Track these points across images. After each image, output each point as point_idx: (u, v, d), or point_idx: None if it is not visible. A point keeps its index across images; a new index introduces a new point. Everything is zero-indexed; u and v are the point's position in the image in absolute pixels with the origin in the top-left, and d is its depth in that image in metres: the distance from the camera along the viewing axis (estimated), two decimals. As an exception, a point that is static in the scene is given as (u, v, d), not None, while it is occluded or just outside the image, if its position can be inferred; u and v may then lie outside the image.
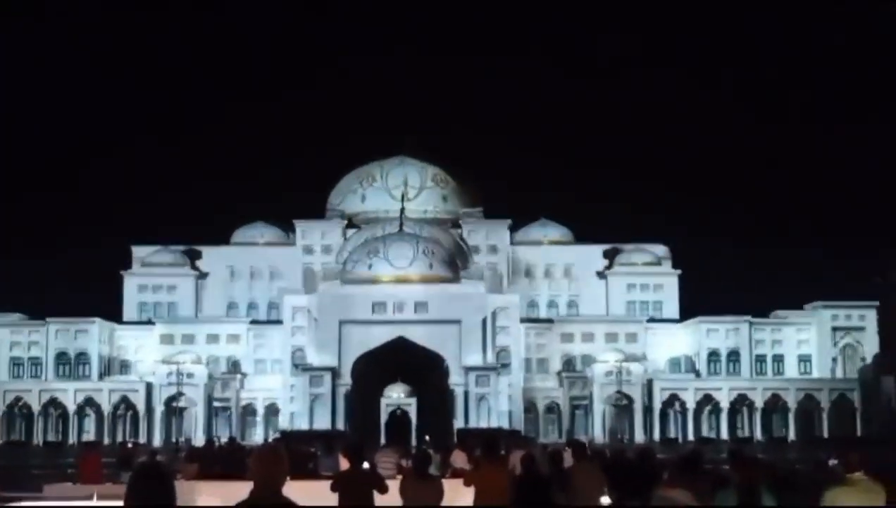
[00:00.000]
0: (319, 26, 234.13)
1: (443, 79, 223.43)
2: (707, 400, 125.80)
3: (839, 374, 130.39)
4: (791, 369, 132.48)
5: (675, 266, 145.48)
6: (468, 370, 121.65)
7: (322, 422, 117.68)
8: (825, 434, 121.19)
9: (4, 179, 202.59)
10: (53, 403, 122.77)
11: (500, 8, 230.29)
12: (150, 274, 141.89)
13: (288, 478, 10.71)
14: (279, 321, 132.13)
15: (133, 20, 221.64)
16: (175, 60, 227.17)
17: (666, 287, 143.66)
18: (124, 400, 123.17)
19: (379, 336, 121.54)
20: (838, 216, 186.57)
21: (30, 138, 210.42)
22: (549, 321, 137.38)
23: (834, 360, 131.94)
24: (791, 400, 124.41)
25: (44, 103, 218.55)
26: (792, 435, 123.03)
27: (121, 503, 9.90)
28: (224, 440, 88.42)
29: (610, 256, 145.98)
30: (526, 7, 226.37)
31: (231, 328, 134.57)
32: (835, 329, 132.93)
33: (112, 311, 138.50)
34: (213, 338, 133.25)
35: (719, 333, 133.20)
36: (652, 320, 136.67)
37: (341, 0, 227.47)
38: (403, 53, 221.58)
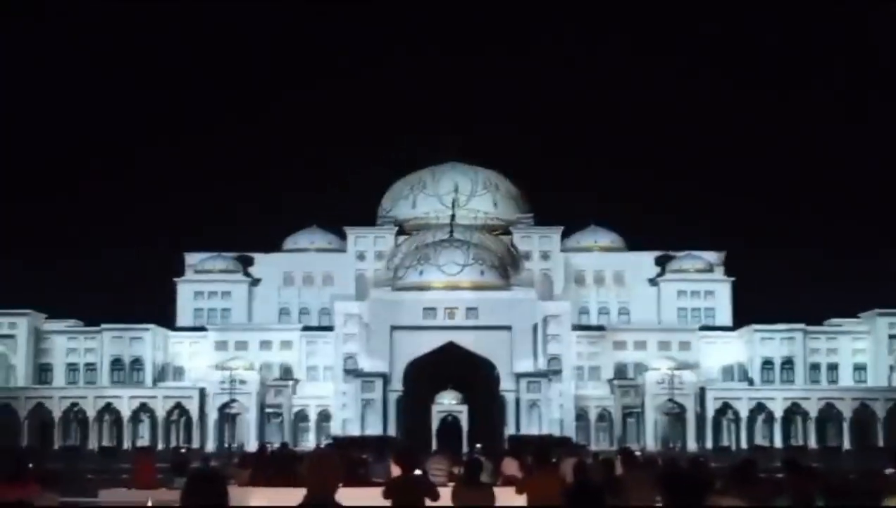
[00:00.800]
0: (365, 29, 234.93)
1: (494, 83, 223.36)
2: (760, 409, 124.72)
3: (895, 382, 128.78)
4: (846, 377, 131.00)
5: (727, 273, 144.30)
6: (519, 376, 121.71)
7: (374, 428, 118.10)
8: (881, 444, 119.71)
9: (58, 186, 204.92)
10: (108, 409, 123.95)
11: (549, 10, 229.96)
12: (203, 281, 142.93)
13: (340, 484, 10.77)
14: (331, 328, 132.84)
15: (179, 20, 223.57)
16: (226, 66, 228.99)
17: (718, 294, 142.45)
18: (178, 406, 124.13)
19: (430, 343, 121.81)
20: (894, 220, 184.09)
21: (82, 143, 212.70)
22: (601, 328, 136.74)
23: (891, 368, 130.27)
24: (846, 409, 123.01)
25: (93, 110, 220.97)
26: (847, 445, 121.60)
27: None
28: (276, 446, 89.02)
29: (661, 263, 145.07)
30: (578, 8, 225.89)
31: (283, 335, 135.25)
32: (892, 337, 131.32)
33: (166, 317, 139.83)
34: (265, 344, 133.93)
35: (773, 341, 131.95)
36: (704, 327, 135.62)
37: (390, 4, 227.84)
38: (452, 56, 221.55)
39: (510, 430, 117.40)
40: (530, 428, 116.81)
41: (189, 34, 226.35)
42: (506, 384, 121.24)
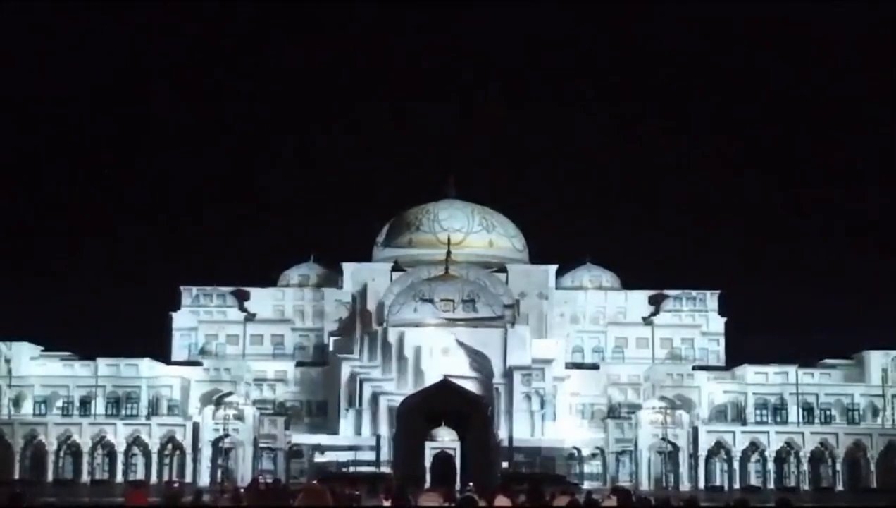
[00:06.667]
0: (364, 64, 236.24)
1: (491, 121, 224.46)
2: (753, 448, 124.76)
3: (889, 422, 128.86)
4: (839, 417, 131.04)
5: (721, 313, 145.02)
6: (513, 413, 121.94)
7: (368, 463, 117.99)
8: (873, 485, 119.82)
9: (53, 218, 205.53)
10: (102, 442, 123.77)
11: (545, 47, 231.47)
12: (198, 314, 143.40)
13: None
14: (325, 363, 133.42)
15: (190, 65, 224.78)
16: (222, 99, 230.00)
17: (712, 333, 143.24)
18: (171, 440, 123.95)
19: (424, 379, 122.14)
20: (890, 261, 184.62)
21: (78, 174, 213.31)
22: (595, 366, 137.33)
23: (883, 408, 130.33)
24: (839, 449, 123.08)
25: (88, 140, 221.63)
26: (840, 485, 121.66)
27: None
28: (269, 480, 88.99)
29: (656, 301, 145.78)
30: (571, 47, 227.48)
31: (278, 369, 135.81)
32: (884, 377, 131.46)
33: (160, 350, 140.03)
34: (259, 378, 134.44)
35: (766, 380, 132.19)
36: (698, 366, 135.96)
37: (387, 42, 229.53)
38: (452, 95, 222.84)
39: (503, 467, 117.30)
40: (523, 466, 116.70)
41: (186, 61, 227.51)
42: (500, 420, 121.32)
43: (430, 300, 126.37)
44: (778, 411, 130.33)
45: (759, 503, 58.32)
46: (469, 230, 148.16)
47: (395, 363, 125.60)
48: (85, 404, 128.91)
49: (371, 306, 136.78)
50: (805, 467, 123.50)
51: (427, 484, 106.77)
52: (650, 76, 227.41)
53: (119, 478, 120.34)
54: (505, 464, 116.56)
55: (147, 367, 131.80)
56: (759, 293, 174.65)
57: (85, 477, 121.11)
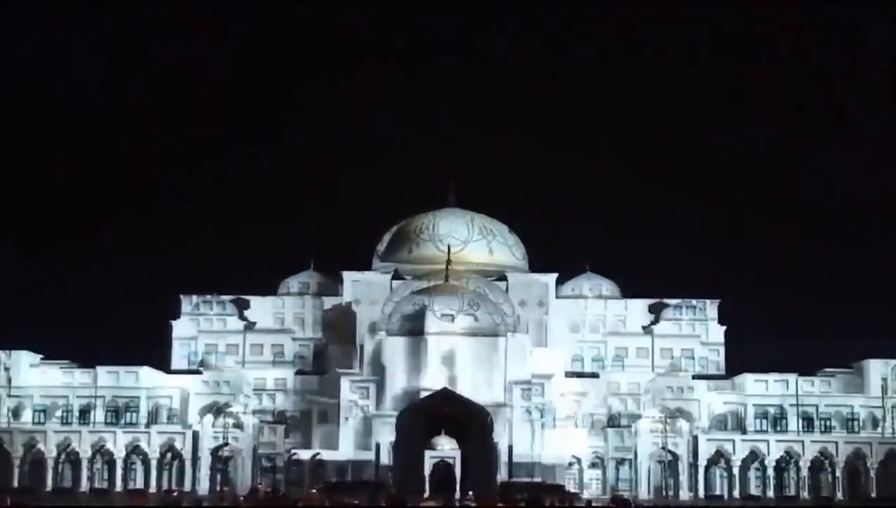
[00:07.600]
0: (367, 76, 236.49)
1: (491, 131, 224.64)
2: (753, 457, 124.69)
3: (888, 432, 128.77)
4: (839, 426, 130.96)
5: (721, 322, 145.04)
6: (513, 422, 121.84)
7: (368, 472, 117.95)
8: (873, 493, 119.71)
9: (58, 226, 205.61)
10: (101, 450, 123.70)
11: (546, 55, 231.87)
12: (198, 323, 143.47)
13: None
14: (325, 372, 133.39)
15: (181, 72, 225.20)
16: (226, 106, 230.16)
17: (712, 342, 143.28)
18: (171, 448, 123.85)
19: (424, 388, 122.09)
20: (889, 271, 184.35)
21: (82, 184, 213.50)
22: (595, 375, 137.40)
23: (883, 417, 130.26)
24: (839, 458, 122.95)
25: (91, 151, 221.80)
26: (839, 494, 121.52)
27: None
28: (268, 489, 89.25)
29: (656, 310, 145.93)
30: (572, 54, 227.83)
31: (277, 378, 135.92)
32: (884, 387, 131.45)
33: (160, 359, 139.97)
34: (259, 387, 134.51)
35: (766, 389, 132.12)
36: (698, 376, 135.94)
37: (387, 51, 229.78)
38: (453, 103, 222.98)
39: (503, 476, 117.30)
40: (523, 475, 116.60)
41: (186, 75, 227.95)
42: (499, 429, 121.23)
43: (431, 310, 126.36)
44: (778, 420, 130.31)
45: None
46: (469, 240, 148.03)
47: (394, 371, 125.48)
48: (84, 412, 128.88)
49: (371, 315, 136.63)
50: (805, 475, 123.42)
51: (426, 493, 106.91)
52: (650, 82, 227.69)
53: (118, 486, 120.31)
54: (504, 473, 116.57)
55: (146, 376, 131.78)
56: (759, 302, 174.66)
57: (84, 485, 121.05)
